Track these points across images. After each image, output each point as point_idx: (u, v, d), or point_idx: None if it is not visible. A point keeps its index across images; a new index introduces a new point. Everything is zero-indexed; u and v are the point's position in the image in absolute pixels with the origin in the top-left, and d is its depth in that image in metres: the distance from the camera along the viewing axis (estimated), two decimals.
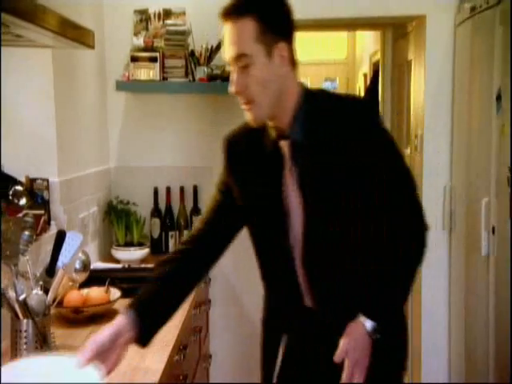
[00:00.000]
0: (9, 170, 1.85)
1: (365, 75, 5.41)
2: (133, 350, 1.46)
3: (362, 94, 5.28)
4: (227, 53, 1.16)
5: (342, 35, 6.24)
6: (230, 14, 1.14)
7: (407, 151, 2.83)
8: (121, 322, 1.19)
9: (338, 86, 6.70)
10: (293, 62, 1.19)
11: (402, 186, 1.22)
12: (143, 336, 1.22)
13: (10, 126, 1.91)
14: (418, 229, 1.23)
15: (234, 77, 1.16)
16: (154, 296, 1.26)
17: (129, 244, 2.45)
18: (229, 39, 1.15)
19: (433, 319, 2.58)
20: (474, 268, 2.26)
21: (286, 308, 1.30)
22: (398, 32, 3.02)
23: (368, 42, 5.09)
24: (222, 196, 1.33)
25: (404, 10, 2.56)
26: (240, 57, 1.14)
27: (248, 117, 1.19)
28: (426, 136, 2.55)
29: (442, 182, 2.55)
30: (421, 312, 2.59)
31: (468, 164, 2.33)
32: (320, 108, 1.20)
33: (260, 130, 1.23)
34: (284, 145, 1.21)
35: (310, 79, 6.67)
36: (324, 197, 1.19)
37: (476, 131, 2.25)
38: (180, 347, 1.65)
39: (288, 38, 1.17)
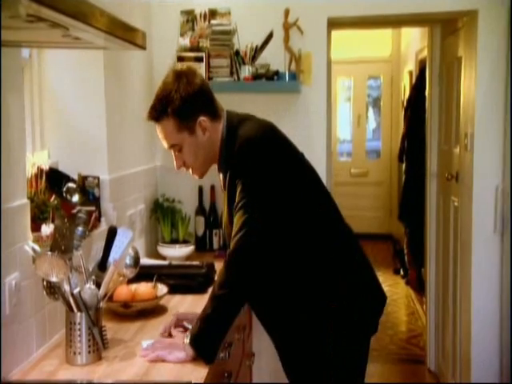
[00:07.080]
0: (63, 167, 1.92)
1: (410, 73, 5.29)
2: None
3: (408, 91, 5.17)
4: (163, 143, 1.49)
5: (387, 32, 6.10)
6: (151, 118, 1.46)
7: (456, 150, 2.75)
8: None
9: (381, 84, 6.59)
10: (214, 118, 1.47)
11: (241, 225, 1.37)
12: None
13: (65, 126, 1.98)
14: (232, 265, 1.39)
15: (174, 157, 1.51)
16: None
17: (174, 241, 2.49)
18: (160, 135, 1.48)
19: (484, 323, 2.51)
20: None
21: None
22: (447, 28, 2.94)
23: (414, 39, 4.97)
24: None
25: (454, 5, 2.49)
26: (172, 146, 1.48)
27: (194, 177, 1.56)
28: (476, 135, 2.46)
29: (493, 182, 2.46)
30: (471, 315, 2.52)
31: None
32: (229, 145, 1.45)
33: None
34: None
35: (354, 78, 6.57)
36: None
37: None
38: (225, 345, 1.66)
39: (205, 109, 1.45)
